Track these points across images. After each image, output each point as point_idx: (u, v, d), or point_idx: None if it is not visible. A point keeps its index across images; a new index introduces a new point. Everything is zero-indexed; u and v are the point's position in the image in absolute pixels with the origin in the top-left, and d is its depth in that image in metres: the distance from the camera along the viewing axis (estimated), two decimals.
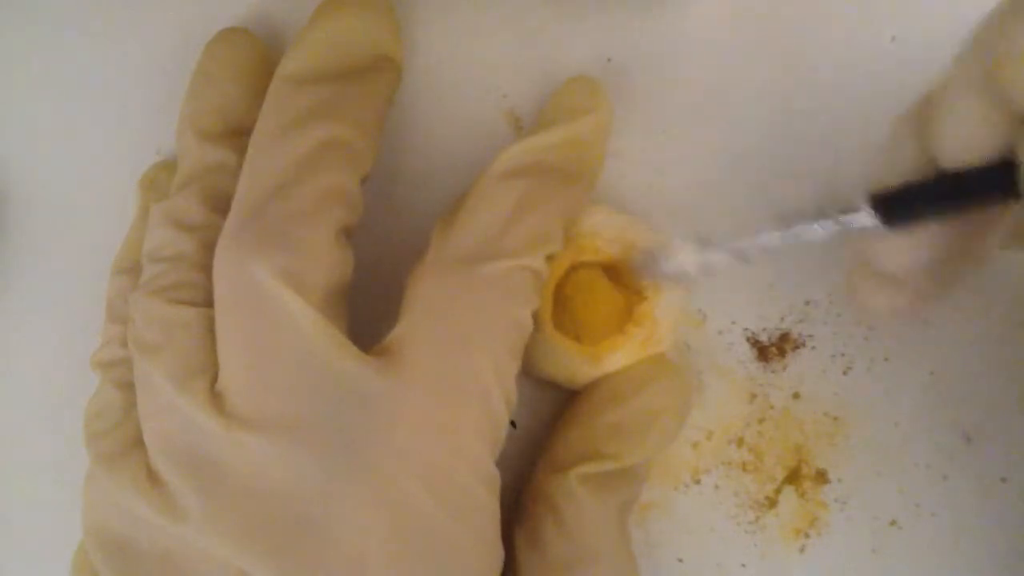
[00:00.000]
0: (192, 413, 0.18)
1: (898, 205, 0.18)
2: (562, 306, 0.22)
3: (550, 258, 0.21)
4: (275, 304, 0.18)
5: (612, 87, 0.24)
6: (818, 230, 0.19)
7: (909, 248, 0.18)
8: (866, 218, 0.18)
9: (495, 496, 0.19)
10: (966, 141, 0.16)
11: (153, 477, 0.19)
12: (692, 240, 0.21)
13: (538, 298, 0.20)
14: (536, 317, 0.22)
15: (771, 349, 0.24)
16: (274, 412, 0.18)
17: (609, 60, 0.24)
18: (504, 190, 0.20)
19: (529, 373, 0.23)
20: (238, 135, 0.21)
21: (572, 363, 0.22)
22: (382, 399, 0.18)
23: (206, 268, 0.20)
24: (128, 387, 0.21)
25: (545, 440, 0.22)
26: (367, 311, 0.20)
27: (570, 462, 0.21)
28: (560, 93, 0.23)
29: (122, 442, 0.20)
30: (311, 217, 0.19)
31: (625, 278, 0.22)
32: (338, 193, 0.19)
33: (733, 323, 0.24)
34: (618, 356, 0.22)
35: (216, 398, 0.19)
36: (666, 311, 0.22)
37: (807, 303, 0.24)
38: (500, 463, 0.24)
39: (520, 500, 0.22)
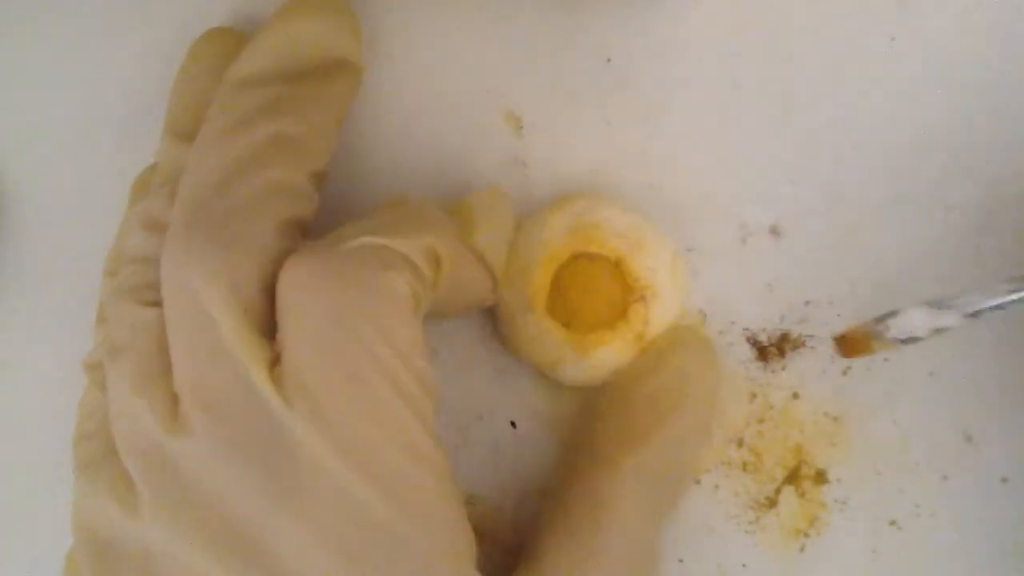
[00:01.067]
0: (147, 416, 0.18)
1: None
2: (559, 293, 0.22)
3: (431, 252, 0.19)
4: (206, 310, 0.18)
5: (612, 87, 0.24)
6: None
7: None
8: None
9: (436, 473, 0.18)
10: None
11: (127, 479, 0.19)
12: (924, 306, 0.20)
13: (417, 282, 0.19)
14: (530, 299, 0.22)
15: (771, 349, 0.24)
16: (212, 418, 0.18)
17: (609, 60, 0.24)
18: (383, 209, 0.20)
19: (514, 354, 0.23)
20: None
21: (558, 349, 0.22)
22: (284, 413, 0.17)
23: None
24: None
25: (578, 435, 0.22)
26: None
27: (618, 452, 0.21)
28: (474, 197, 0.22)
29: (101, 446, 0.20)
30: (251, 211, 0.18)
31: (627, 277, 0.22)
32: (280, 186, 0.19)
33: (733, 323, 0.24)
34: (606, 352, 0.22)
35: (173, 401, 0.18)
36: (662, 314, 0.22)
37: (807, 303, 0.24)
38: (500, 464, 0.24)
39: (554, 496, 0.22)
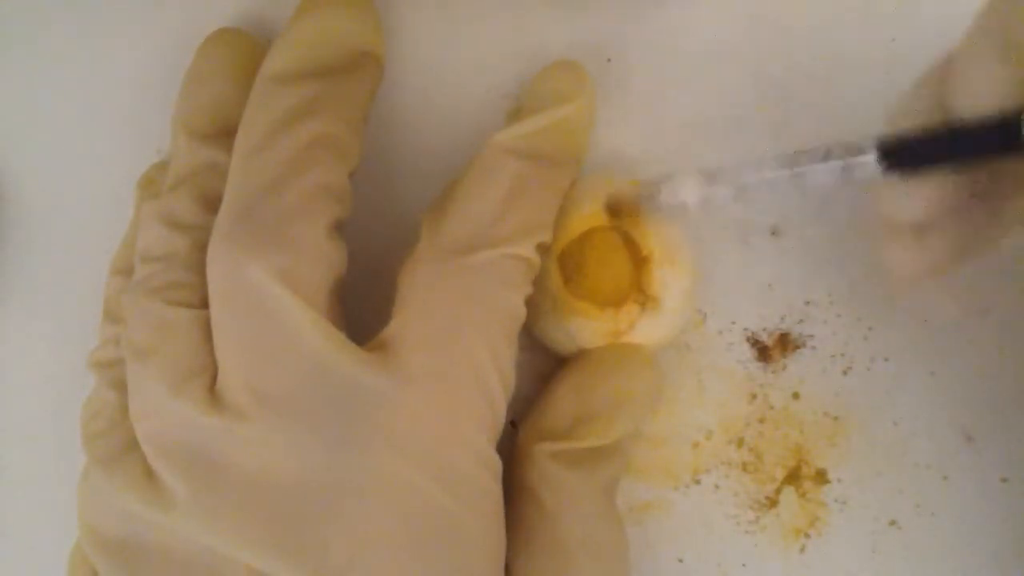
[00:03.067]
0: (188, 414, 0.18)
1: (904, 151, 0.18)
2: (574, 270, 0.22)
3: (542, 247, 0.21)
4: (272, 303, 0.18)
5: (612, 87, 0.24)
6: (823, 170, 0.18)
7: (922, 197, 0.18)
8: (871, 161, 0.18)
9: (497, 481, 0.20)
10: (979, 96, 0.16)
11: (149, 474, 0.19)
12: (696, 173, 0.20)
13: (530, 286, 0.20)
14: (548, 285, 0.22)
15: (771, 349, 0.24)
16: (275, 408, 0.18)
17: (609, 60, 0.24)
18: (494, 178, 0.20)
19: (540, 339, 0.23)
20: (229, 134, 0.21)
21: (589, 327, 0.22)
22: (380, 395, 0.18)
23: (198, 268, 0.20)
24: (121, 388, 0.21)
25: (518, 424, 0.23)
26: (363, 306, 0.20)
27: (537, 441, 0.21)
28: (543, 77, 0.23)
29: (119, 442, 0.20)
30: (303, 214, 0.19)
31: (642, 278, 0.22)
32: (328, 189, 0.19)
33: (733, 323, 0.24)
34: (582, 325, 0.22)
35: (213, 397, 0.19)
36: (648, 331, 0.22)
37: (807, 303, 0.24)
38: (504, 462, 0.24)
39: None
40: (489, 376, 0.19)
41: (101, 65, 0.26)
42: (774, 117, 0.24)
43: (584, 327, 0.22)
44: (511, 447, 0.22)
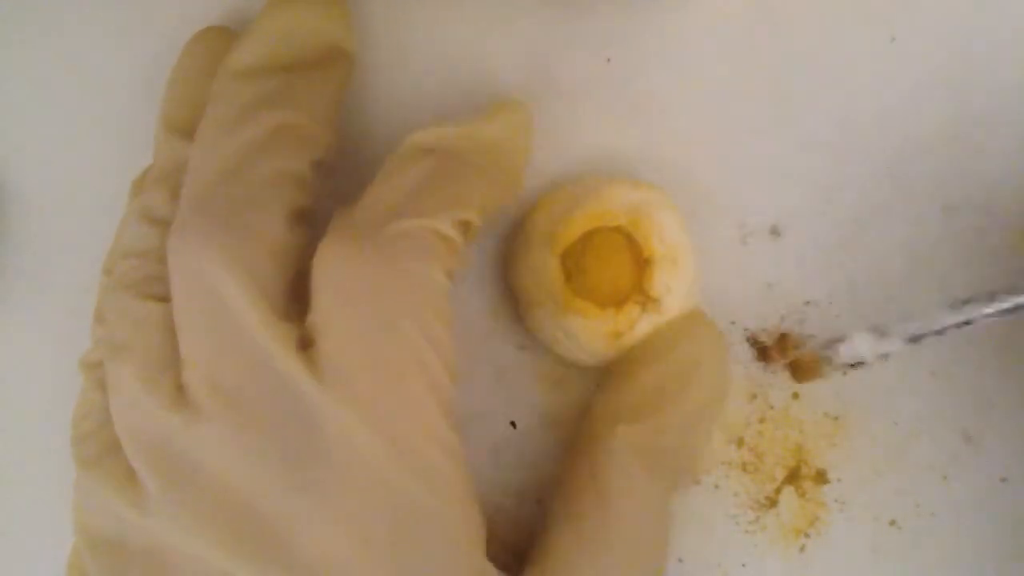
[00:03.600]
0: (156, 410, 0.18)
1: None
2: (575, 269, 0.22)
3: (462, 224, 0.20)
4: (222, 296, 0.18)
5: (612, 87, 0.24)
6: (990, 309, 0.20)
7: None
8: None
9: (457, 462, 0.19)
10: None
11: (131, 475, 0.19)
12: (868, 332, 0.21)
13: (452, 259, 0.19)
14: (549, 283, 0.22)
15: (771, 349, 0.24)
16: (229, 405, 0.18)
17: (609, 60, 0.24)
18: (407, 168, 0.20)
19: (540, 338, 0.23)
20: None
21: (588, 326, 0.22)
22: (314, 396, 0.18)
23: None
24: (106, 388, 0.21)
25: (581, 419, 0.22)
26: None
27: (612, 425, 0.21)
28: (487, 108, 0.22)
29: (104, 444, 0.20)
30: (259, 200, 0.19)
31: (644, 251, 0.22)
32: (287, 176, 0.19)
33: (733, 323, 0.24)
34: (636, 327, 0.22)
35: (180, 392, 0.18)
36: (675, 281, 0.22)
37: (807, 303, 0.24)
38: (500, 464, 0.24)
39: (559, 476, 0.22)
40: (426, 357, 0.18)
41: (101, 65, 0.26)
42: (775, 116, 0.24)
43: (584, 326, 0.22)
44: (523, 447, 0.22)
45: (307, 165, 0.20)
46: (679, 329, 0.22)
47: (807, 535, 0.23)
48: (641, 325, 0.22)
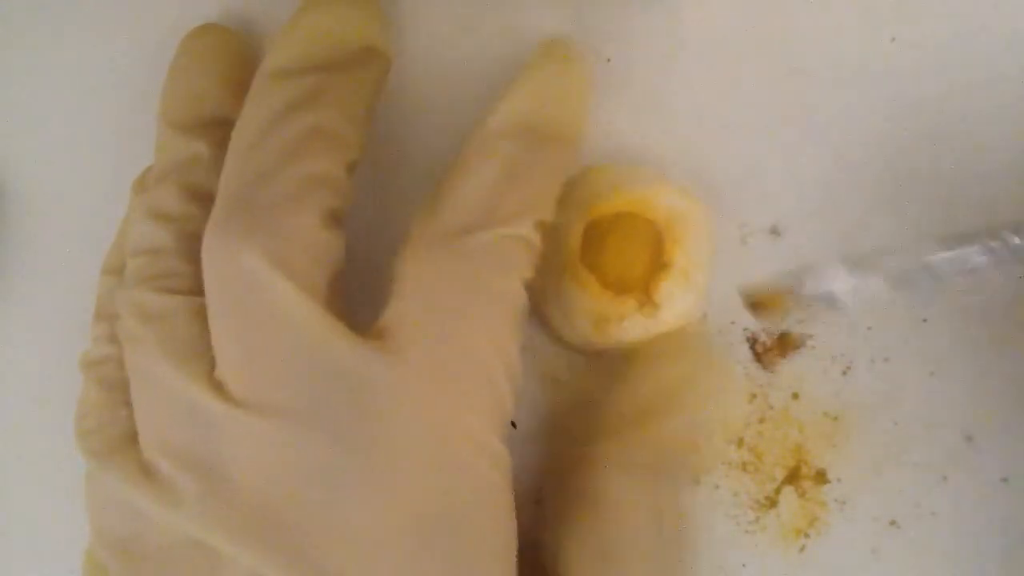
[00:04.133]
0: (192, 394, 0.18)
1: None
2: (595, 241, 0.22)
3: (542, 225, 0.20)
4: (266, 290, 0.18)
5: (613, 87, 0.24)
6: (982, 256, 0.17)
7: None
8: None
9: (504, 475, 0.19)
10: None
11: (146, 470, 0.19)
12: (838, 262, 0.19)
13: (531, 268, 0.20)
14: (568, 243, 0.22)
15: (771, 349, 0.24)
16: (274, 399, 0.18)
17: (609, 60, 0.24)
18: (486, 160, 0.20)
19: (539, 307, 0.23)
20: (212, 126, 0.22)
21: (581, 301, 0.22)
22: (378, 383, 0.18)
23: (187, 257, 0.20)
24: (112, 385, 0.21)
25: (570, 421, 0.22)
26: (368, 306, 0.20)
27: (604, 442, 0.21)
28: (532, 57, 0.22)
29: (110, 440, 0.20)
30: (296, 202, 0.19)
31: (665, 255, 0.22)
32: (322, 179, 0.19)
33: (733, 323, 0.24)
34: (624, 321, 0.22)
35: (215, 385, 0.18)
36: (682, 298, 0.22)
37: (807, 303, 0.24)
38: None
39: (551, 485, 0.22)
40: (492, 365, 0.19)
41: (102, 65, 0.26)
42: (775, 116, 0.24)
43: (578, 299, 0.22)
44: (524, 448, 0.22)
45: (342, 167, 0.20)
46: (676, 345, 0.22)
47: (807, 535, 0.23)
48: (631, 323, 0.22)
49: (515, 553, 0.19)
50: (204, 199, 0.20)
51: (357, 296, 0.20)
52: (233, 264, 0.18)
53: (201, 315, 0.19)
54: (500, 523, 0.19)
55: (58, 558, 0.22)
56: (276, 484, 0.18)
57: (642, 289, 0.22)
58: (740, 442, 0.24)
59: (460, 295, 0.19)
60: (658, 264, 0.22)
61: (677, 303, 0.22)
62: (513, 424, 0.24)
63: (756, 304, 0.21)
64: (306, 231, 0.19)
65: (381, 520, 0.18)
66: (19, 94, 0.26)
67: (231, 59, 0.23)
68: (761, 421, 0.24)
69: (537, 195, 0.20)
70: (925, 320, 0.23)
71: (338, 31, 0.21)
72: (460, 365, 0.18)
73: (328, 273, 0.19)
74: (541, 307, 0.23)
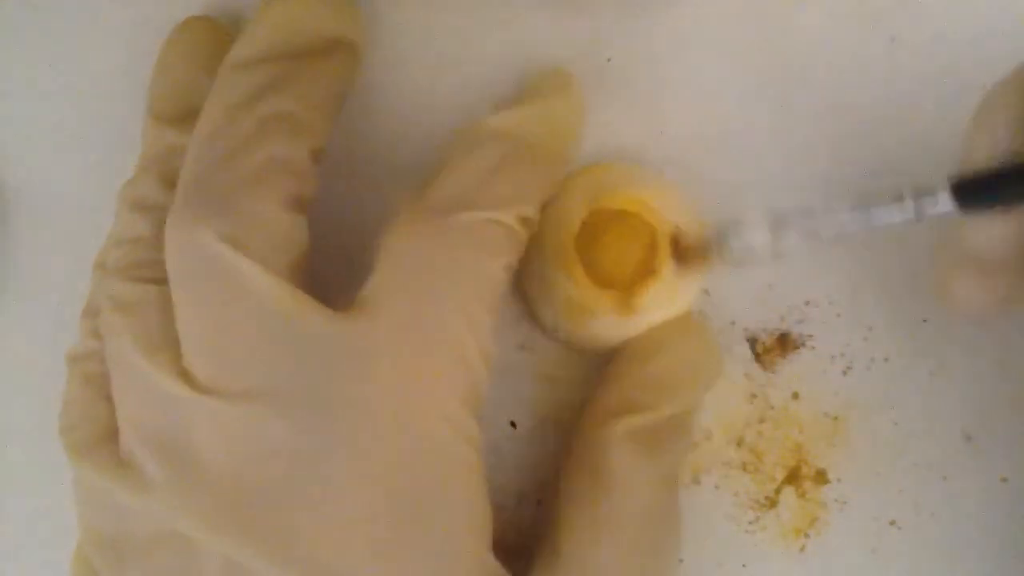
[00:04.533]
0: (161, 382, 0.18)
1: (980, 189, 0.17)
2: (591, 233, 0.22)
3: (525, 221, 0.20)
4: (227, 269, 0.18)
5: (612, 87, 0.24)
6: (895, 213, 0.18)
7: (1002, 232, 0.17)
8: (945, 203, 0.17)
9: (476, 452, 0.19)
10: None
11: (123, 462, 0.19)
12: (763, 217, 0.20)
13: (514, 255, 0.20)
14: (568, 228, 0.22)
15: (771, 349, 0.24)
16: (240, 382, 0.18)
17: (609, 60, 0.24)
18: (479, 152, 0.20)
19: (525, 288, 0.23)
20: (195, 118, 0.21)
21: (563, 286, 0.22)
22: (351, 351, 0.18)
23: (163, 247, 0.20)
24: (94, 381, 0.21)
25: (583, 403, 0.22)
26: (339, 294, 0.20)
27: (612, 416, 0.21)
28: (534, 81, 0.23)
29: (93, 433, 0.20)
30: (256, 186, 0.19)
31: (655, 262, 0.22)
32: (284, 163, 0.19)
33: (733, 323, 0.24)
34: (597, 315, 0.22)
35: (182, 372, 0.18)
36: (661, 307, 0.22)
37: (807, 303, 0.24)
38: (500, 464, 0.24)
39: (561, 463, 0.22)
40: (465, 340, 0.19)
41: (101, 65, 0.26)
42: (775, 115, 0.24)
43: (560, 283, 0.22)
44: (523, 448, 0.22)
45: (305, 153, 0.20)
46: (675, 330, 0.22)
47: (807, 535, 0.23)
48: (603, 320, 0.22)
49: (490, 531, 0.19)
50: None
51: (329, 285, 0.20)
52: (193, 248, 0.18)
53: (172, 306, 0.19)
54: (473, 499, 0.19)
55: (54, 556, 0.22)
56: (246, 468, 0.18)
57: (624, 288, 0.22)
58: (740, 442, 0.24)
59: (438, 271, 0.19)
60: (648, 268, 0.22)
61: (655, 311, 0.22)
62: (513, 424, 0.24)
63: (680, 256, 0.22)
64: (266, 215, 0.19)
65: (353, 497, 0.18)
66: (19, 95, 0.26)
67: (216, 51, 0.23)
68: (761, 421, 0.24)
69: (523, 190, 0.20)
70: (925, 320, 0.23)
71: (306, 21, 0.21)
72: (433, 338, 0.18)
73: (289, 258, 0.19)
74: (524, 282, 0.23)
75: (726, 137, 0.24)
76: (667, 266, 0.22)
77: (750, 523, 0.23)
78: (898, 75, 0.24)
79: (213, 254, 0.18)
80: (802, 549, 0.23)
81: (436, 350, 0.18)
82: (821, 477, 0.23)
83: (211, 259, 0.18)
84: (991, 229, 0.18)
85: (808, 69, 0.24)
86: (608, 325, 0.22)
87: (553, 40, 0.24)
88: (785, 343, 0.24)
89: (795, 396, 0.24)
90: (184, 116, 0.22)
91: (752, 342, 0.24)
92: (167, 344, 0.19)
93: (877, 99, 0.24)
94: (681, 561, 0.23)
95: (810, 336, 0.24)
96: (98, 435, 0.20)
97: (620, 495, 0.20)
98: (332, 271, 0.21)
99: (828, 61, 0.24)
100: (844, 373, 0.23)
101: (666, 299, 0.22)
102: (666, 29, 0.24)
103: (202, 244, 0.18)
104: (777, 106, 0.24)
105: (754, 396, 0.24)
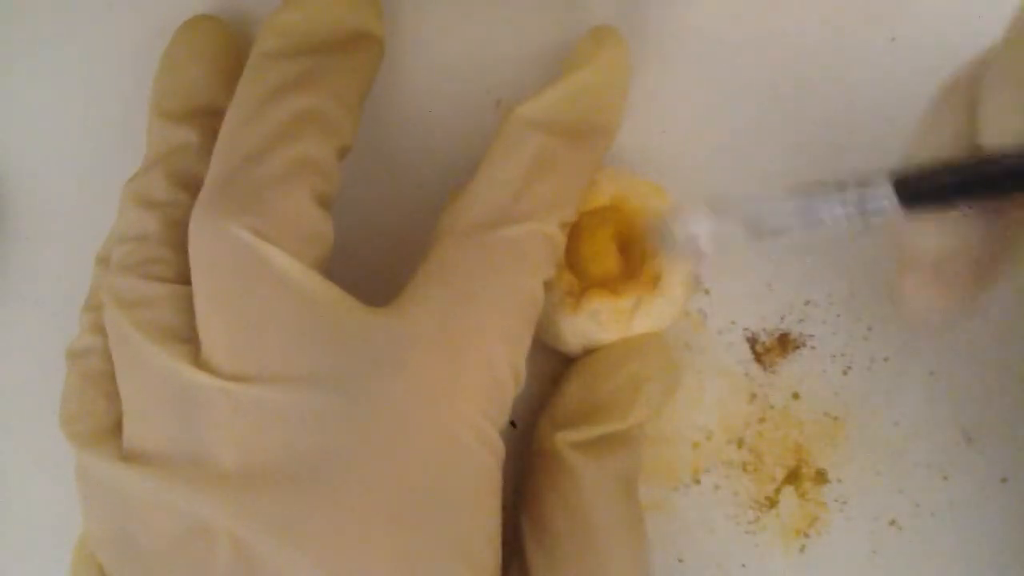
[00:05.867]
0: (178, 374, 0.18)
1: (922, 185, 0.16)
2: (578, 230, 0.22)
3: (565, 226, 0.20)
4: (260, 260, 0.18)
5: None
6: (836, 206, 0.18)
7: (941, 232, 0.17)
8: (886, 196, 0.17)
9: (497, 463, 0.19)
10: (1007, 127, 0.15)
11: (129, 455, 0.19)
12: (703, 205, 0.19)
13: (552, 268, 0.20)
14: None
15: (771, 349, 0.24)
16: (270, 368, 0.18)
17: None
18: (516, 152, 0.20)
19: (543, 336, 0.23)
20: (202, 115, 0.22)
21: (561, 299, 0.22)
22: (384, 347, 0.18)
23: (172, 244, 0.20)
24: (93, 376, 0.21)
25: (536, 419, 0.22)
26: (360, 298, 0.20)
27: (557, 430, 0.21)
28: (577, 47, 0.22)
29: (91, 428, 0.20)
30: (284, 183, 0.19)
31: (630, 273, 0.22)
32: (312, 161, 0.19)
33: (733, 323, 0.24)
34: (557, 318, 0.22)
35: (203, 362, 0.18)
36: (612, 325, 0.22)
37: (807, 303, 0.24)
38: (504, 461, 0.24)
39: (520, 483, 0.22)
40: (498, 355, 0.19)
41: (101, 65, 0.26)
42: (775, 115, 0.24)
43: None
44: (522, 448, 0.22)
45: (332, 152, 0.20)
46: (631, 348, 0.22)
47: (807, 535, 0.23)
48: (581, 314, 0.22)
49: (500, 539, 0.19)
50: (191, 187, 0.20)
51: (346, 285, 0.20)
52: (223, 240, 0.18)
53: (185, 303, 0.19)
54: (490, 505, 0.19)
55: (56, 552, 0.22)
56: (266, 455, 0.18)
57: (599, 282, 0.22)
58: (740, 442, 0.24)
59: (478, 283, 0.19)
60: (611, 277, 0.22)
61: (610, 327, 0.22)
62: (513, 424, 0.24)
63: (628, 241, 0.22)
64: (294, 212, 0.19)
65: (373, 491, 0.18)
66: (19, 95, 0.26)
67: (222, 49, 0.23)
68: (761, 421, 0.24)
69: (565, 191, 0.20)
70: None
71: (333, 14, 0.21)
72: (465, 345, 0.18)
73: (316, 255, 0.19)
74: None
75: (726, 137, 0.24)
76: (620, 294, 0.22)
77: (750, 523, 0.23)
78: (898, 75, 0.24)
79: (245, 246, 0.18)
80: (802, 549, 0.23)
81: (467, 358, 0.18)
82: (821, 477, 0.23)
83: (242, 251, 0.18)
84: (933, 228, 0.17)
85: (808, 69, 0.24)
86: (576, 330, 0.22)
87: (553, 40, 0.24)
88: (785, 343, 0.24)
89: (795, 396, 0.24)
90: (190, 113, 0.22)
91: (752, 342, 0.24)
92: (181, 340, 0.19)
93: (877, 99, 0.24)
94: (681, 561, 0.23)
95: (810, 336, 0.24)
96: (99, 429, 0.20)
97: (567, 497, 0.20)
98: (347, 271, 0.21)
99: (828, 61, 0.24)
100: (844, 373, 0.23)
101: (613, 328, 0.22)
102: (666, 29, 0.24)
103: (233, 237, 0.18)
104: (776, 106, 0.24)
105: (754, 396, 0.24)
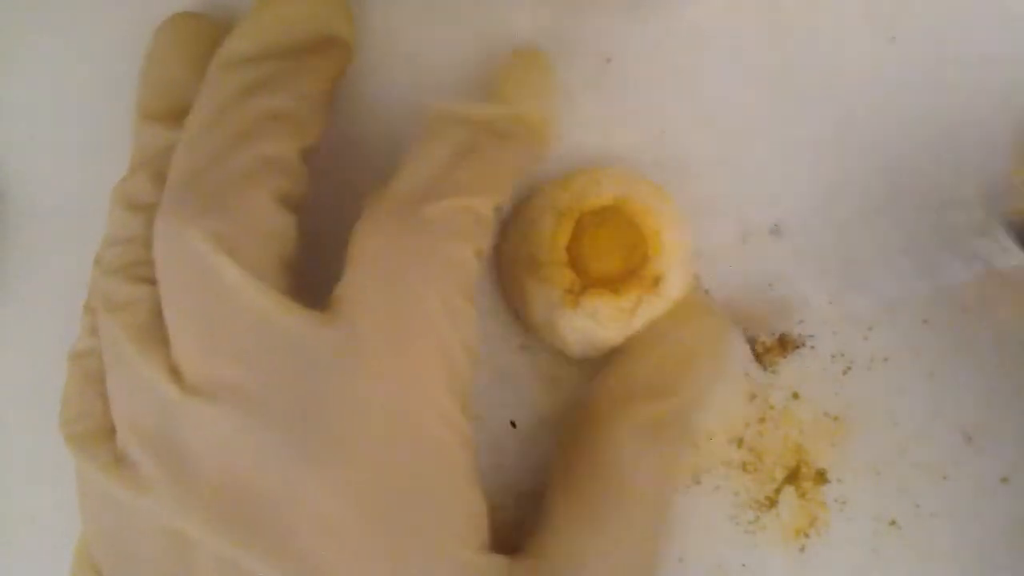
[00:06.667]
0: (153, 381, 0.18)
1: None
2: (583, 229, 0.22)
3: (496, 210, 0.20)
4: (213, 270, 0.18)
5: (612, 87, 0.24)
6: (963, 271, 0.18)
7: None
8: (1008, 249, 0.17)
9: (466, 448, 0.19)
10: None
11: (119, 458, 0.19)
12: (828, 286, 0.20)
13: (484, 240, 0.20)
14: (547, 251, 0.22)
15: (771, 349, 0.24)
16: (226, 381, 0.18)
17: (609, 60, 0.24)
18: (440, 140, 0.20)
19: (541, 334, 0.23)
20: (185, 116, 0.21)
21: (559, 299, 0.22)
22: (329, 354, 0.18)
23: None
24: (92, 377, 0.21)
25: (584, 396, 0.22)
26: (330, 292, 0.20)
27: (617, 407, 0.21)
28: (508, 68, 0.22)
29: (88, 430, 0.20)
30: (245, 183, 0.19)
31: (640, 235, 0.22)
32: (274, 160, 0.19)
33: (733, 323, 0.24)
34: (555, 313, 0.22)
35: (173, 372, 0.18)
36: (608, 324, 0.22)
37: (807, 303, 0.24)
38: (500, 464, 0.24)
39: (558, 459, 0.22)
40: (445, 331, 0.18)
41: (101, 65, 0.26)
42: (775, 116, 0.24)
43: (548, 286, 0.22)
44: (523, 448, 0.22)
45: (294, 152, 0.20)
46: (681, 314, 0.22)
47: (807, 535, 0.23)
48: (581, 314, 0.22)
49: (485, 527, 0.19)
50: None
51: (320, 285, 0.20)
52: (180, 247, 0.18)
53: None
54: (464, 489, 0.19)
55: (57, 551, 0.22)
56: (236, 466, 0.18)
57: (601, 283, 0.22)
58: (740, 442, 0.24)
59: (411, 263, 0.19)
60: (614, 275, 0.22)
61: (609, 326, 0.22)
62: (513, 424, 0.24)
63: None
64: (255, 212, 0.19)
65: (343, 495, 0.18)
66: (19, 95, 0.26)
67: (205, 48, 0.23)
68: (761, 421, 0.24)
69: (487, 176, 0.20)
70: (925, 320, 0.23)
71: (299, 19, 0.21)
72: (412, 332, 0.18)
73: (277, 255, 0.19)
74: (511, 285, 0.23)
75: (726, 138, 0.24)
76: (621, 292, 0.22)
77: (750, 523, 0.23)
78: (898, 75, 0.24)
79: (200, 254, 0.18)
80: (802, 549, 0.23)
81: (417, 343, 0.18)
82: (821, 477, 0.23)
83: (196, 259, 0.18)
84: None
85: (808, 69, 0.24)
86: (575, 329, 0.22)
87: (553, 40, 0.24)
88: (785, 343, 0.24)
89: (795, 396, 0.24)
90: (173, 113, 0.22)
91: (752, 342, 0.24)
92: (159, 342, 0.19)
93: (877, 100, 0.24)
94: (681, 561, 0.23)
95: (810, 336, 0.24)
96: (96, 431, 0.20)
97: (622, 485, 0.20)
98: (321, 271, 0.21)
99: (828, 62, 0.24)
100: (844, 373, 0.23)
101: (610, 327, 0.22)
102: (666, 30, 0.24)
103: (189, 243, 0.18)
104: (777, 107, 0.24)
105: (754, 396, 0.24)
